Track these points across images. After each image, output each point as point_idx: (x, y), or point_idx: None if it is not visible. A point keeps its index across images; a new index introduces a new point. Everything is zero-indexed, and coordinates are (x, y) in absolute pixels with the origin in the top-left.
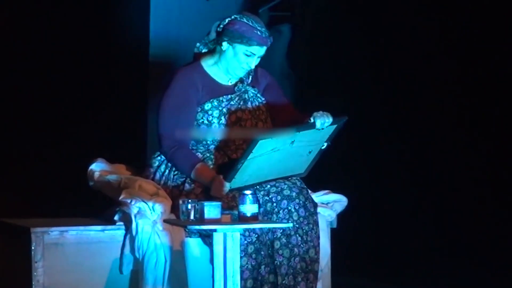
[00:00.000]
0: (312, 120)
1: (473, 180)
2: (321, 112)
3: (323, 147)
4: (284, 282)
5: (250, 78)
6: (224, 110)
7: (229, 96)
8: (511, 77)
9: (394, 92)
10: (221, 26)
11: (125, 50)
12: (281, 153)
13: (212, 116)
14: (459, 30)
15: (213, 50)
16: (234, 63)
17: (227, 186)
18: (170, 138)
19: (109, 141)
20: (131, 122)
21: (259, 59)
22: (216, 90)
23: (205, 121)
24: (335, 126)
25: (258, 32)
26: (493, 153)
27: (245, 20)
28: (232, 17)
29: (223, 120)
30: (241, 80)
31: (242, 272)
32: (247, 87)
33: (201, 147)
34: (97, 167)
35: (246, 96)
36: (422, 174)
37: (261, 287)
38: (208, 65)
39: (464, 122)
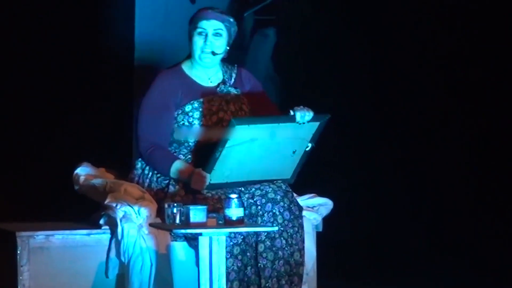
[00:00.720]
0: (292, 113)
1: (464, 181)
2: (301, 106)
3: (307, 149)
4: (267, 285)
5: (233, 80)
6: (205, 111)
7: (210, 97)
8: (508, 78)
9: (382, 95)
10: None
11: (111, 54)
12: (262, 147)
13: (193, 118)
14: (451, 30)
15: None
16: (194, 49)
17: (207, 177)
18: (148, 140)
19: (94, 144)
20: (117, 126)
21: (218, 38)
22: (197, 91)
23: (186, 123)
24: (317, 124)
25: (203, 10)
26: (482, 152)
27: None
28: None
29: (204, 121)
30: (223, 81)
31: (228, 273)
32: (230, 88)
33: (184, 149)
34: (83, 171)
35: (229, 97)
36: (408, 178)
37: None
38: (188, 67)
39: (456, 123)
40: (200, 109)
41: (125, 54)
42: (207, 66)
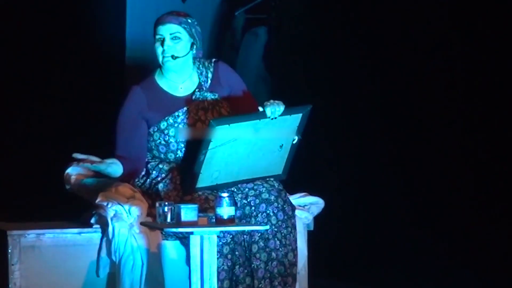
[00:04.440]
0: (262, 109)
1: (459, 179)
2: (271, 101)
3: (294, 141)
4: (260, 286)
5: (209, 81)
6: (181, 126)
7: (185, 109)
8: (507, 78)
9: (376, 93)
10: None
11: (102, 53)
12: (247, 144)
13: (169, 136)
14: (449, 24)
15: None
16: (158, 59)
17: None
18: (125, 159)
19: (85, 144)
20: (108, 126)
21: (176, 41)
22: (169, 105)
23: (162, 141)
24: (300, 115)
25: (162, 15)
26: (482, 155)
27: None
28: None
29: (180, 137)
30: (199, 86)
31: (218, 273)
32: (206, 93)
33: (165, 166)
34: (73, 171)
35: (206, 103)
36: (401, 176)
37: (236, 287)
38: (160, 77)
39: (453, 120)
40: (175, 125)
41: (117, 54)
42: (173, 71)
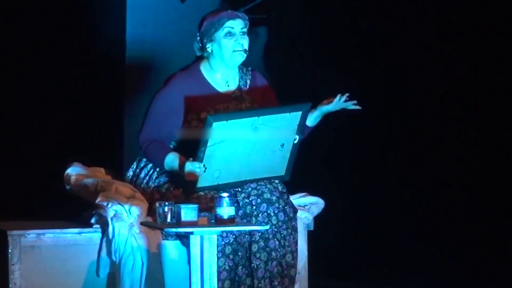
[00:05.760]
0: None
1: (454, 181)
2: None
3: (295, 141)
4: (260, 285)
5: (248, 86)
6: None
7: (226, 105)
8: (507, 79)
9: (376, 94)
10: (197, 35)
11: (102, 53)
12: (246, 142)
13: None
14: (448, 26)
15: (207, 57)
16: (226, 53)
17: (200, 166)
18: (148, 135)
19: (85, 144)
20: (107, 125)
21: (245, 37)
22: (213, 98)
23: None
24: (300, 113)
25: (223, 11)
26: (478, 154)
27: (208, 14)
28: (200, 21)
29: (180, 137)
30: (239, 88)
31: (219, 273)
32: (244, 95)
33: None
34: (73, 171)
35: (243, 105)
36: (400, 177)
37: (238, 287)
38: (207, 69)
39: (452, 122)
40: None
41: (117, 54)
42: (235, 66)
